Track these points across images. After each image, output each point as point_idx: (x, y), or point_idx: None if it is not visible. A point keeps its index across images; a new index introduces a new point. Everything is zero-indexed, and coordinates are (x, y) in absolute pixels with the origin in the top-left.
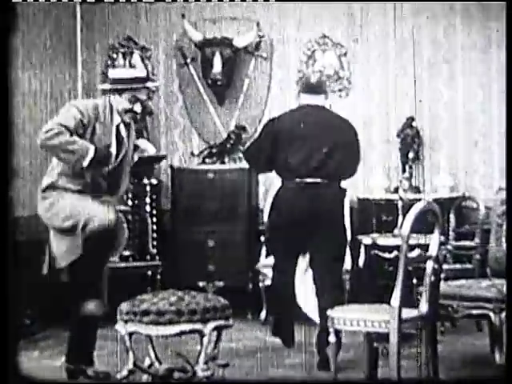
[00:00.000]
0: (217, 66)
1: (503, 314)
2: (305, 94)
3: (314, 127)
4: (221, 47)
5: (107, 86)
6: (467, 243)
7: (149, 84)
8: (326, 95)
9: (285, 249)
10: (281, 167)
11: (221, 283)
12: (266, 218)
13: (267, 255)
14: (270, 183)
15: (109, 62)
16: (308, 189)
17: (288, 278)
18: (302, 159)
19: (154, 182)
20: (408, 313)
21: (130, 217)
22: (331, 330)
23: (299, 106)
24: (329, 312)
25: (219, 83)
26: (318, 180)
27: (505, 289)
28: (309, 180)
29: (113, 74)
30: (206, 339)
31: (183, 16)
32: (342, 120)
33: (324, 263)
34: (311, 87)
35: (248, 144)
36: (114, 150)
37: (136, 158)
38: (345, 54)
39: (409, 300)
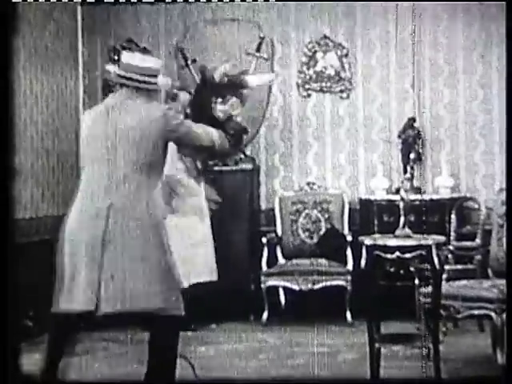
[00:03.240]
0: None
1: (505, 315)
2: None
3: None
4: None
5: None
6: (468, 244)
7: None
8: None
9: None
10: None
11: (222, 285)
12: None
13: None
14: (271, 184)
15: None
16: None
17: None
18: None
19: None
20: None
21: None
22: None
23: None
24: None
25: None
26: None
27: (505, 289)
28: None
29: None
30: None
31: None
32: None
33: None
34: None
35: None
36: None
37: None
38: (346, 55)
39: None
